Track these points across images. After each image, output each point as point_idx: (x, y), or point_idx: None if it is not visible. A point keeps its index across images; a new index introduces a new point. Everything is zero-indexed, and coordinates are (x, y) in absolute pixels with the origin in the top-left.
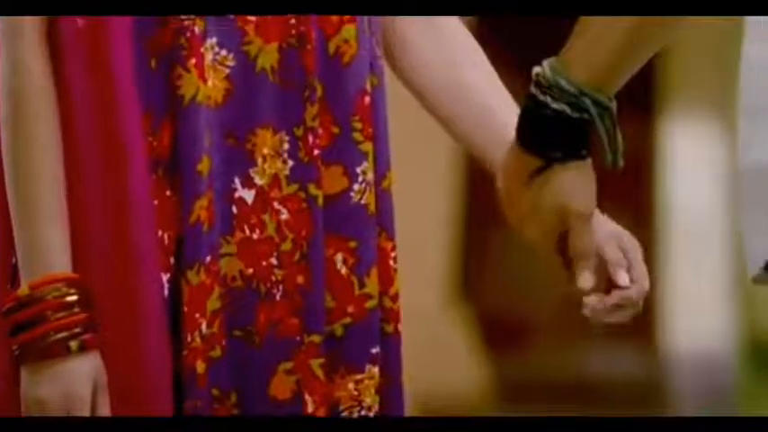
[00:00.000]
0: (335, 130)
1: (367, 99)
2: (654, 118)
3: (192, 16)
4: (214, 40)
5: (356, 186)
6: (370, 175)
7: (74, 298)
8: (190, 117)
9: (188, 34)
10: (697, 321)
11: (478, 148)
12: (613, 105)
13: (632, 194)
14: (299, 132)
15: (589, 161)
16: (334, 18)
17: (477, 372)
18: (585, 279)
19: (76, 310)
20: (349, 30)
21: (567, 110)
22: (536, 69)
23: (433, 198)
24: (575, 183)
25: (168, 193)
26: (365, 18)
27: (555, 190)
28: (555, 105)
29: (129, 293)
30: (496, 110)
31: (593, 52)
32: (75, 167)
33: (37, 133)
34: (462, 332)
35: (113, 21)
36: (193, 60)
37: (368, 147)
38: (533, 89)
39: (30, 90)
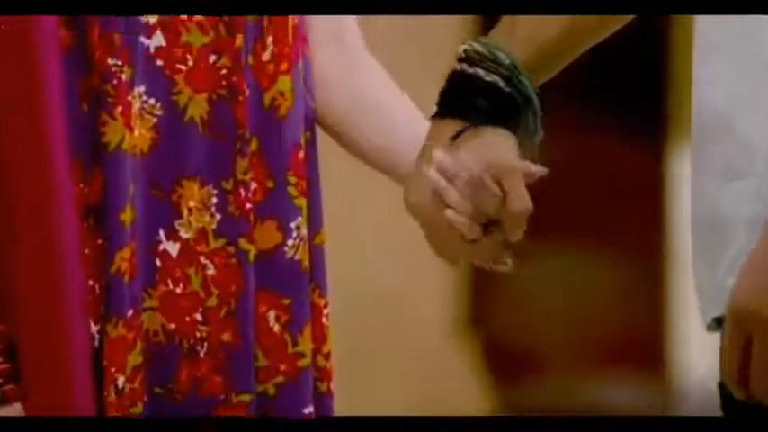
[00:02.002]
0: (270, 184)
1: (301, 153)
2: (666, 142)
3: (120, 62)
4: (142, 88)
5: (290, 242)
6: (304, 231)
7: None
8: (114, 165)
9: (114, 81)
10: (708, 353)
11: (391, 164)
12: (541, 100)
13: (642, 221)
14: (229, 186)
15: (514, 137)
16: (270, 69)
17: (485, 401)
18: (520, 197)
19: None
20: (284, 81)
21: (501, 82)
22: (463, 47)
23: None
24: (504, 141)
25: (99, 241)
26: (300, 69)
27: (484, 146)
28: (488, 78)
29: (55, 344)
30: (407, 124)
31: (534, 31)
32: (0, 212)
33: None
34: (469, 361)
35: (44, 59)
36: (120, 108)
37: (302, 202)
38: (459, 65)
39: None
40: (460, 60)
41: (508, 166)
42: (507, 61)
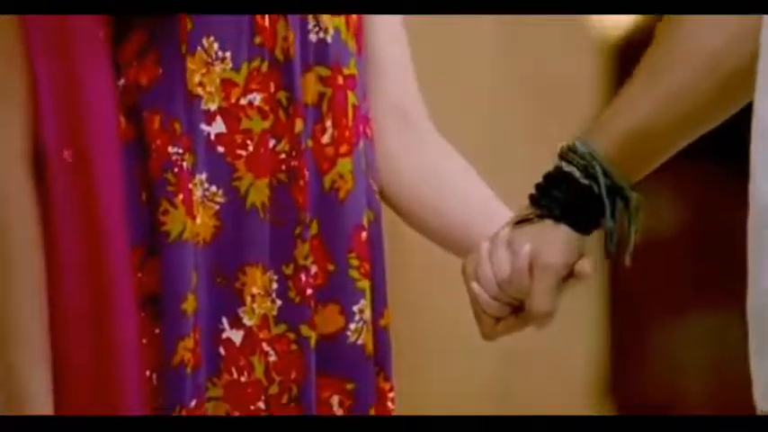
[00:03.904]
0: (331, 267)
1: (364, 235)
2: None
3: (181, 150)
4: (204, 175)
5: (352, 326)
6: (368, 314)
7: None
8: (175, 254)
9: (175, 169)
10: None
11: (460, 240)
12: (631, 193)
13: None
14: (289, 271)
15: (584, 240)
16: (329, 152)
17: None
18: (541, 297)
19: None
20: (344, 164)
21: (576, 172)
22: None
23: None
24: (560, 237)
25: (157, 331)
26: (361, 150)
27: (536, 236)
28: (566, 168)
29: None
30: (476, 196)
31: (613, 121)
32: (59, 303)
33: (19, 267)
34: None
35: (102, 153)
36: (181, 196)
37: (365, 284)
38: (556, 160)
39: (13, 220)
40: (557, 156)
41: (546, 264)
42: (584, 150)
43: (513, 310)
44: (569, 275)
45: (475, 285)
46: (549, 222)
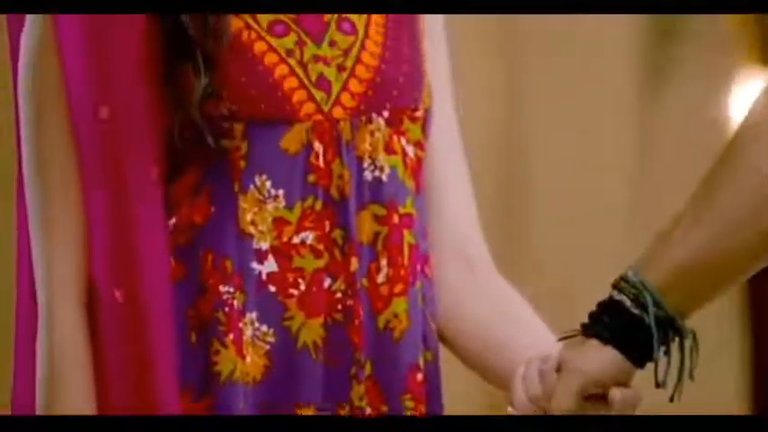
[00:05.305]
0: (385, 409)
1: (419, 376)
2: None
3: (232, 289)
4: (254, 314)
5: None
6: None
7: None
8: (226, 396)
9: (226, 309)
10: None
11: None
12: (684, 326)
13: None
14: (344, 412)
15: (630, 369)
16: (384, 291)
17: None
18: (563, 397)
19: None
20: (399, 303)
21: (627, 301)
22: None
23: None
24: (596, 353)
25: None
26: (418, 290)
27: (576, 351)
28: (617, 297)
29: None
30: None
31: (666, 252)
32: None
33: (69, 405)
34: None
35: (154, 294)
36: (231, 336)
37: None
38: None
39: (65, 361)
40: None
41: (576, 367)
42: (635, 279)
43: None
44: (602, 397)
45: (510, 410)
46: (594, 342)
